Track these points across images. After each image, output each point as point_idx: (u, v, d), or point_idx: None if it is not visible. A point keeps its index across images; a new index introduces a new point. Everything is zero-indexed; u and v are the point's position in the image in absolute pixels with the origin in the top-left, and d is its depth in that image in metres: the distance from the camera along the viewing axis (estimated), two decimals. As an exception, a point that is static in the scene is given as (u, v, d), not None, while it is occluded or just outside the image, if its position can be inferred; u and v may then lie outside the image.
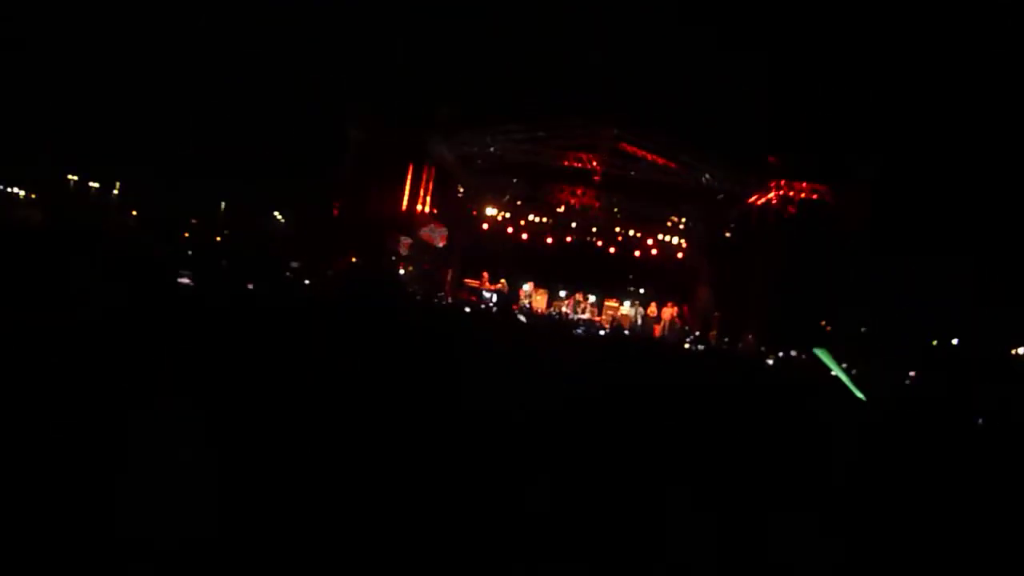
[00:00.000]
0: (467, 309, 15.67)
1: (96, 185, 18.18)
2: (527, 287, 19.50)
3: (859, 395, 9.36)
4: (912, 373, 15.63)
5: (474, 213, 20.67)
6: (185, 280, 8.15)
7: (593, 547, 2.39)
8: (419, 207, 17.75)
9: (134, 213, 18.13)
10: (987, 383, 13.83)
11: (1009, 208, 16.54)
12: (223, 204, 18.55)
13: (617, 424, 4.05)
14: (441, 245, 17.67)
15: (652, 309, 19.24)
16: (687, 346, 16.26)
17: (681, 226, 20.14)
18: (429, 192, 18.11)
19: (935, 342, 17.65)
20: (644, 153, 18.10)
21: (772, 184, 17.63)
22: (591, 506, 2.71)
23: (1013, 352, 17.50)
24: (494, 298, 18.04)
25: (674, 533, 2.60)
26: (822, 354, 12.28)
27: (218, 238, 18.45)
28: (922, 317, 16.71)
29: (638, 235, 20.29)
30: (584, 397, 4.56)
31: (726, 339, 17.65)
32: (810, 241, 17.32)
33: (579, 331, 15.82)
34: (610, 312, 19.68)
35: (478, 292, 18.81)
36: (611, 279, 20.25)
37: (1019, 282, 16.34)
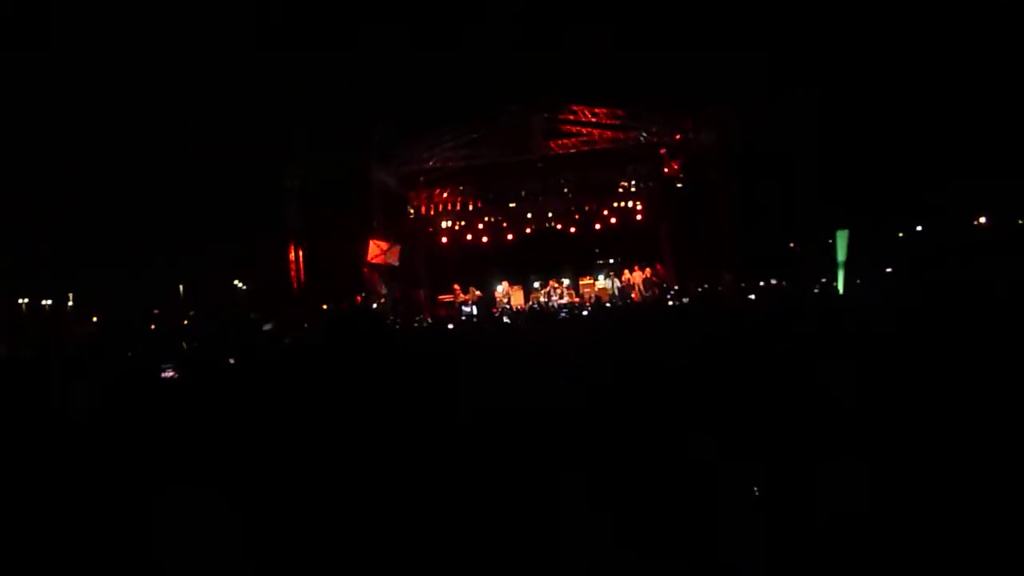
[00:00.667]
0: (450, 326, 16.22)
1: (48, 301, 18.42)
2: (501, 288, 19.82)
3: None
4: (888, 269, 16.58)
5: (430, 230, 21.00)
6: (169, 373, 8.32)
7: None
8: (373, 243, 18.13)
9: (94, 319, 18.39)
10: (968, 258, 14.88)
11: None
12: (181, 287, 18.95)
13: (636, 401, 4.02)
14: (396, 263, 17.95)
15: (627, 276, 19.85)
16: (670, 302, 16.96)
17: (633, 188, 20.72)
18: (381, 222, 18.55)
19: (900, 234, 18.68)
20: (578, 127, 18.85)
21: (711, 126, 18.44)
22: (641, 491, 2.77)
23: (976, 223, 18.64)
24: (474, 309, 18.45)
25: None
26: (841, 238, 12.27)
27: (185, 321, 18.84)
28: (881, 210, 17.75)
29: (594, 208, 20.74)
30: (594, 381, 4.53)
31: (705, 284, 18.37)
32: (754, 168, 18.20)
33: (563, 315, 16.42)
34: (587, 290, 20.06)
35: (456, 306, 19.22)
36: (579, 258, 20.68)
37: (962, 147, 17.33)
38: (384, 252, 17.96)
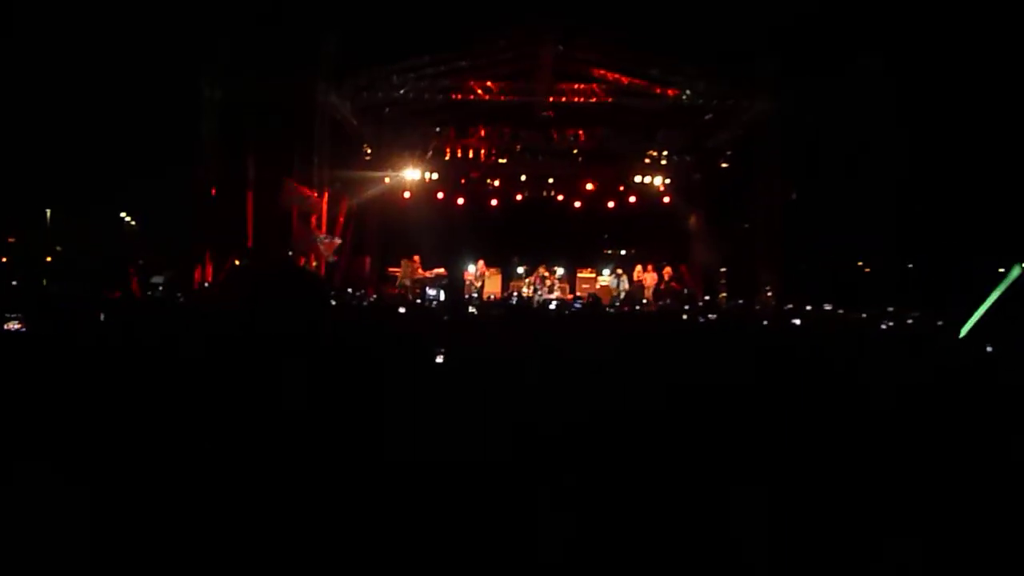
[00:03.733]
0: (401, 310, 15.42)
1: None
2: (474, 268, 19.37)
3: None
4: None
5: (387, 179, 20.54)
6: (14, 325, 7.83)
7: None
8: (311, 188, 17.35)
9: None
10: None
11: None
12: (48, 212, 18.06)
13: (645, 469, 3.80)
14: (333, 259, 17.44)
15: (639, 274, 19.32)
16: (685, 316, 16.36)
17: (663, 161, 20.19)
18: (324, 161, 17.71)
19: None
20: (601, 71, 18.03)
21: (773, 90, 17.73)
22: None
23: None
24: (442, 294, 17.92)
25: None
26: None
27: (48, 258, 18.02)
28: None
29: (609, 179, 20.41)
30: (582, 421, 4.41)
31: (739, 300, 17.85)
32: (832, 160, 17.57)
33: (550, 312, 15.82)
34: (586, 286, 19.77)
35: (421, 285, 18.74)
36: (581, 243, 20.70)
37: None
38: (304, 198, 17.13)
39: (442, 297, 17.93)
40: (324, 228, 17.53)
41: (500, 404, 4.82)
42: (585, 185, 20.66)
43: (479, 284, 19.33)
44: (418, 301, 17.20)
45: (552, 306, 16.05)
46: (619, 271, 19.80)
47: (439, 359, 6.33)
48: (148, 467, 3.31)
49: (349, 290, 17.44)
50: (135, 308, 11.16)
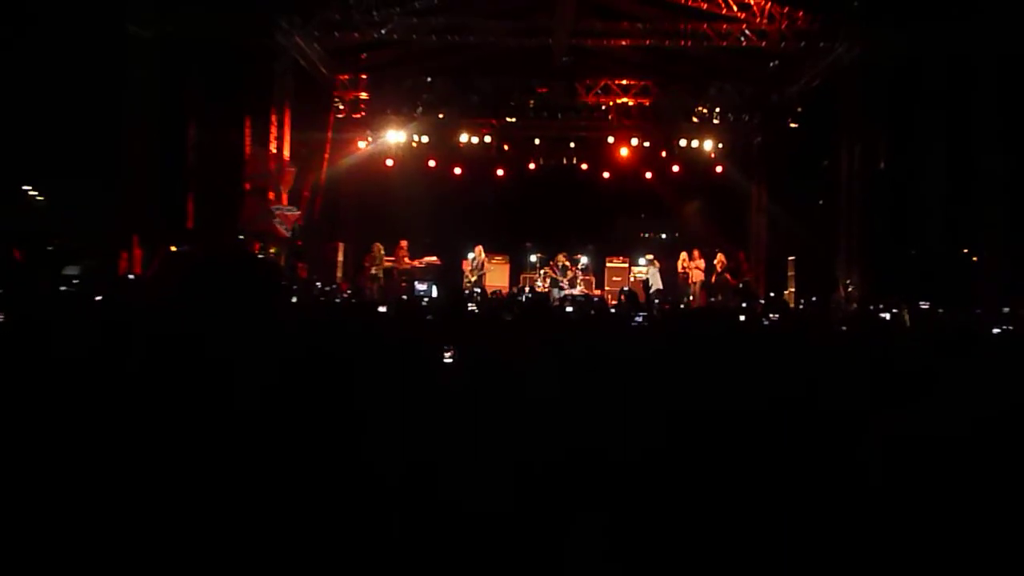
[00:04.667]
0: (382, 309, 15.27)
1: None
2: (473, 256, 19.28)
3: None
4: None
5: (366, 142, 20.54)
6: None
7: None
8: (272, 146, 17.22)
9: None
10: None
11: None
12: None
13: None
14: (287, 234, 17.35)
15: (684, 262, 19.23)
16: (742, 316, 16.17)
17: (716, 121, 20.03)
18: (286, 119, 17.58)
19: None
20: (640, 7, 17.85)
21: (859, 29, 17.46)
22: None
23: None
24: (434, 290, 17.79)
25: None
26: None
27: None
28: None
29: (646, 145, 20.26)
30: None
31: (812, 296, 17.68)
32: (931, 122, 17.36)
33: (569, 310, 15.64)
34: (617, 279, 19.78)
35: (408, 277, 18.69)
36: (611, 224, 21.14)
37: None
38: (277, 172, 17.04)
39: (434, 293, 17.78)
40: (285, 201, 17.41)
41: (512, 435, 4.76)
42: (617, 151, 20.45)
43: (475, 277, 19.23)
44: (404, 297, 17.09)
45: (570, 308, 15.86)
46: (653, 261, 19.71)
47: (439, 376, 6.31)
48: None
49: (319, 284, 17.30)
50: (40, 306, 11.05)
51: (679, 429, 4.68)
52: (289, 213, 17.17)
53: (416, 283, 18.29)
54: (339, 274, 19.87)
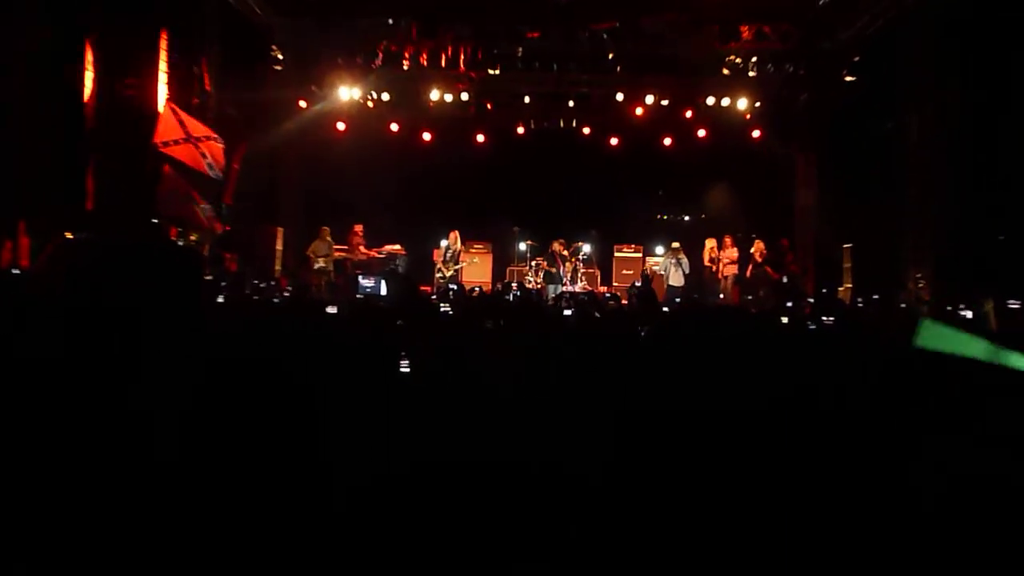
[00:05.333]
0: (331, 310, 15.31)
1: None
2: (447, 244, 19.38)
3: None
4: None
5: (313, 101, 20.55)
6: None
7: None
8: (194, 107, 17.16)
9: None
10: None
11: None
12: None
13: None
14: (218, 174, 17.26)
15: (711, 250, 19.33)
16: (785, 319, 16.15)
17: (751, 73, 20.07)
18: (204, 71, 17.52)
19: None
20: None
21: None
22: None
23: None
24: (382, 286, 17.74)
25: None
26: None
27: None
28: None
29: (664, 103, 20.31)
30: None
31: (873, 294, 17.72)
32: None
33: (568, 313, 15.59)
34: (627, 273, 20.05)
35: (366, 270, 18.68)
36: (620, 203, 20.91)
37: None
38: (188, 136, 16.95)
39: (382, 291, 17.68)
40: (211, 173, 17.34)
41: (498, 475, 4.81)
42: (628, 111, 20.50)
43: (449, 271, 19.30)
44: (360, 296, 17.11)
45: (568, 311, 15.83)
46: (676, 250, 19.59)
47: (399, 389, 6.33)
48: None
49: (257, 282, 17.24)
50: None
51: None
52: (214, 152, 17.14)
53: (360, 278, 18.22)
54: (277, 267, 19.86)
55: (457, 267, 19.31)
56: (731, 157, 20.68)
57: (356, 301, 15.53)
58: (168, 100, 16.79)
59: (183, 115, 16.91)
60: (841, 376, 8.03)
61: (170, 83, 17.18)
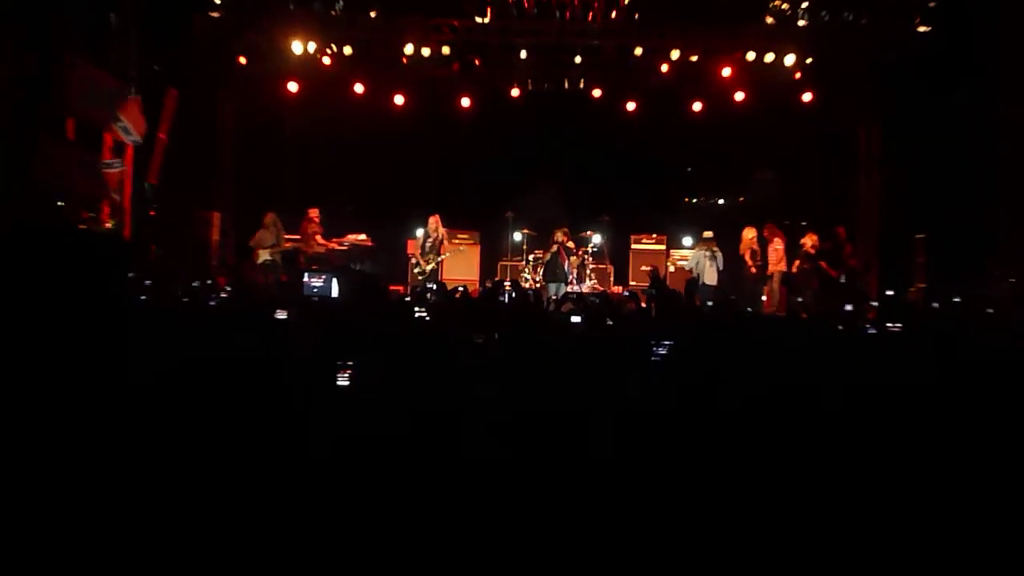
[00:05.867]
0: (281, 315, 15.23)
1: None
2: (425, 231, 19.29)
3: None
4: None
5: (248, 60, 20.45)
6: None
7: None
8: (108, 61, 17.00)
9: None
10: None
11: None
12: None
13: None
14: (136, 138, 17.17)
15: (752, 244, 19.09)
16: (841, 326, 16.11)
17: (801, 22, 20.02)
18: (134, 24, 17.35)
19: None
20: None
21: None
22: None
23: None
24: (334, 285, 17.61)
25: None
26: None
27: None
28: None
29: (693, 59, 20.33)
30: None
31: (954, 297, 17.54)
32: None
33: (576, 320, 15.40)
34: (646, 269, 19.80)
35: (324, 265, 18.49)
36: (639, 185, 20.82)
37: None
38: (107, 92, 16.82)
39: (334, 292, 17.52)
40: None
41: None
42: (649, 69, 20.43)
43: (430, 264, 19.18)
44: (315, 299, 16.95)
45: (576, 318, 15.62)
46: (709, 243, 19.41)
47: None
48: None
49: (196, 282, 17.03)
50: None
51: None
52: (114, 171, 16.99)
53: (310, 279, 17.99)
54: (214, 261, 19.90)
55: (440, 258, 19.17)
56: (776, 127, 20.59)
57: (311, 304, 15.33)
58: (69, 51, 16.56)
59: (91, 70, 16.72)
60: (916, 400, 7.73)
61: (81, 37, 17.07)
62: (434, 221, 19.29)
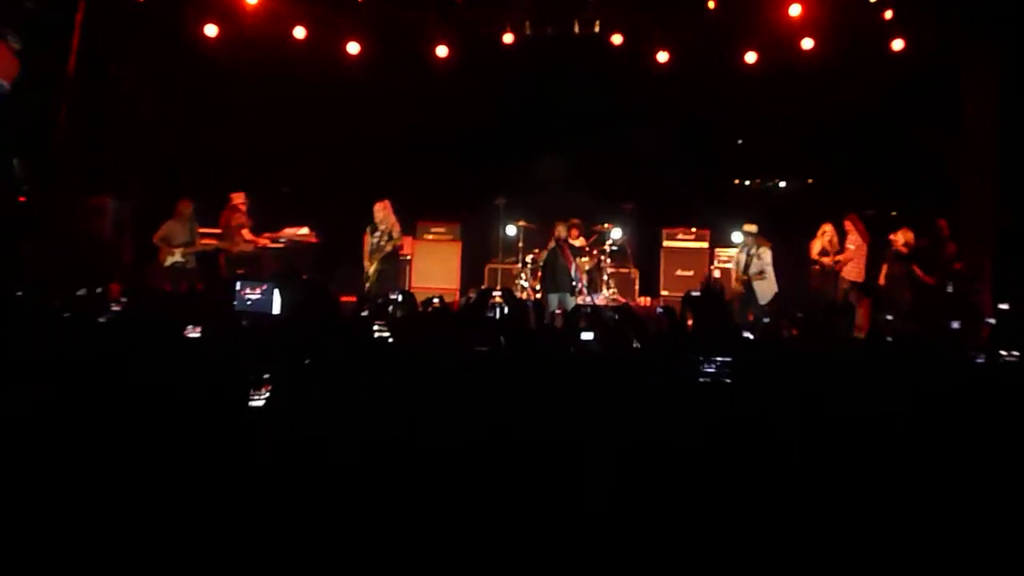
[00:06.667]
0: (194, 333, 15.32)
1: None
2: (372, 224, 19.22)
3: None
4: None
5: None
6: None
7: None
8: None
9: None
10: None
11: None
12: None
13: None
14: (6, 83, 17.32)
15: (833, 241, 18.98)
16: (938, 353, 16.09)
17: None
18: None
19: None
20: None
21: None
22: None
23: None
24: (275, 298, 17.59)
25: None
26: None
27: None
28: None
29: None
30: None
31: None
32: None
33: (588, 337, 15.31)
34: (686, 273, 20.06)
35: (253, 267, 18.58)
36: (672, 163, 20.74)
37: None
38: None
39: (275, 308, 17.48)
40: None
41: None
42: (692, 5, 20.28)
43: (372, 265, 19.11)
44: (247, 315, 16.93)
45: (589, 335, 15.50)
46: (758, 238, 19.29)
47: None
48: None
49: (81, 290, 16.98)
50: None
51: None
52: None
53: (245, 290, 17.93)
54: (106, 262, 19.55)
55: (392, 264, 19.15)
56: (854, 85, 20.50)
57: (233, 321, 15.27)
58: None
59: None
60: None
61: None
62: (381, 208, 19.21)
